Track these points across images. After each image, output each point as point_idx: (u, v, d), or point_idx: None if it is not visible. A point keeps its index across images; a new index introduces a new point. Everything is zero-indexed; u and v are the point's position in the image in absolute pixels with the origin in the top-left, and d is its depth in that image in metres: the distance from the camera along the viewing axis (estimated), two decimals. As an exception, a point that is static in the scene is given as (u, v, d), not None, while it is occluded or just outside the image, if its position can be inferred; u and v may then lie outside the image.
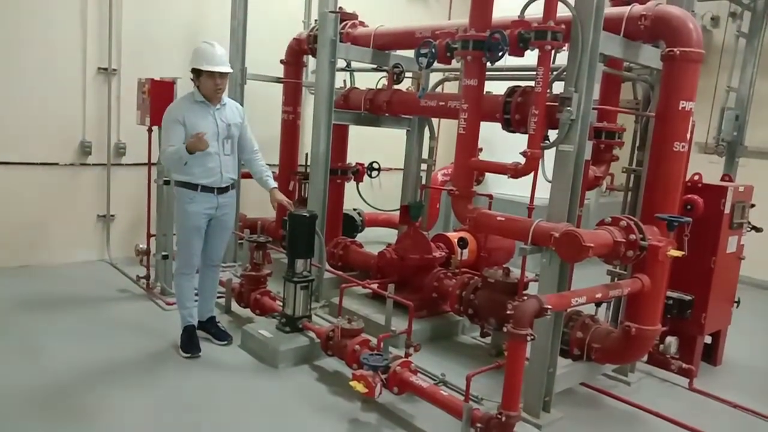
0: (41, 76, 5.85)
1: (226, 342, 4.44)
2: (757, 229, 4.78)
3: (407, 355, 3.88)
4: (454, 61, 4.30)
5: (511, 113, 3.94)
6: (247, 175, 4.88)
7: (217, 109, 4.15)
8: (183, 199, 4.15)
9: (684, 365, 4.25)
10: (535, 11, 3.59)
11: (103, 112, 6.25)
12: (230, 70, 4.18)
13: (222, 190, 4.21)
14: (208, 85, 4.07)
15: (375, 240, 7.26)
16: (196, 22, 6.65)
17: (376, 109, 5.54)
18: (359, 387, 3.46)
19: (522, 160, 3.65)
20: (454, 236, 5.43)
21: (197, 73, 4.07)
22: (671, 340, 4.29)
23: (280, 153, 6.68)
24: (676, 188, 3.72)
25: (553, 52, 3.53)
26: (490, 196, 5.08)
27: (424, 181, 6.13)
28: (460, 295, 4.62)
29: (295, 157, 6.73)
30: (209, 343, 4.41)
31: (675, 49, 3.50)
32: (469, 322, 4.83)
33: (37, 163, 5.96)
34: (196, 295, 4.46)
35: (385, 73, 5.72)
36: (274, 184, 4.42)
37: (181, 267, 4.34)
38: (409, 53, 4.84)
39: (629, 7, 3.68)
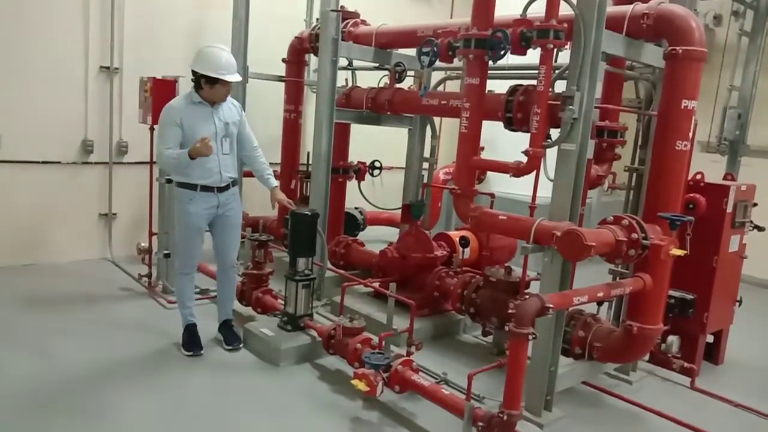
0: (43, 74, 5.85)
1: (231, 347, 4.35)
2: (760, 228, 4.77)
3: (409, 353, 3.88)
4: (456, 60, 4.30)
5: (513, 112, 3.92)
6: (249, 174, 4.88)
7: (214, 108, 4.12)
8: (183, 200, 4.13)
9: (686, 364, 4.25)
10: (538, 10, 3.58)
11: (105, 110, 6.25)
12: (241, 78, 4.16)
13: (222, 189, 4.18)
14: (222, 92, 4.04)
15: (377, 239, 7.24)
16: (198, 20, 6.65)
17: (377, 108, 5.53)
18: (361, 385, 3.46)
19: (524, 159, 3.65)
20: (455, 235, 5.43)
21: (209, 79, 3.97)
22: (673, 339, 4.29)
23: (282, 152, 6.68)
24: (679, 187, 3.71)
25: (555, 50, 3.52)
26: (492, 195, 5.08)
27: (425, 180, 6.12)
28: (462, 294, 4.62)
29: (297, 156, 6.74)
30: (211, 342, 4.41)
31: (677, 48, 3.49)
32: (471, 321, 4.83)
33: (39, 162, 5.96)
34: (197, 294, 4.44)
35: (386, 72, 5.70)
36: (275, 183, 4.41)
37: (181, 267, 4.33)
38: (411, 52, 4.82)
39: (632, 6, 3.67)
